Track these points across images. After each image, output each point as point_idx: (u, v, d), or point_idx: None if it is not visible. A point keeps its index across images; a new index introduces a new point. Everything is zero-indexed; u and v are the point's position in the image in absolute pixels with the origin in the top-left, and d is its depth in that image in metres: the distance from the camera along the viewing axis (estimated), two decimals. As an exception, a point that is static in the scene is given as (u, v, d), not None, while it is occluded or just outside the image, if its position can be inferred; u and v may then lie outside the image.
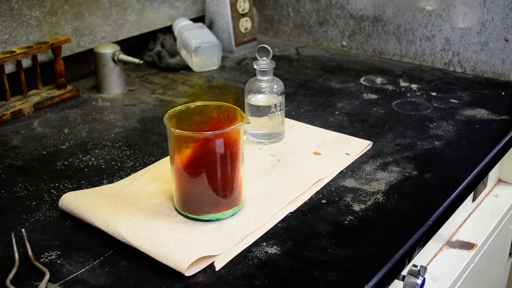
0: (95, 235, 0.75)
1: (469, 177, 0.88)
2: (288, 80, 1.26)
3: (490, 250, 1.19)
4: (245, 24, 1.44)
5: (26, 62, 1.17)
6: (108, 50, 1.19)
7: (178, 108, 0.77)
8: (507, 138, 1.00)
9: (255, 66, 0.94)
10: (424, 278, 0.87)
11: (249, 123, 0.75)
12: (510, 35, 1.20)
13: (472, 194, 1.15)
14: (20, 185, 0.87)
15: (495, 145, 0.97)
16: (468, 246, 1.09)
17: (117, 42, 1.33)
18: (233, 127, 0.73)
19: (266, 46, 0.95)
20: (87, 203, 0.78)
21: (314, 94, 1.18)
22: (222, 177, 0.75)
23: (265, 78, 0.95)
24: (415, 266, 0.87)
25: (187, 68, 1.34)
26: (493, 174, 1.26)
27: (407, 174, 0.88)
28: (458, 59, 1.29)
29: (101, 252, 0.71)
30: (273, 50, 1.46)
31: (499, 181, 1.32)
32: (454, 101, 1.14)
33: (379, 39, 1.38)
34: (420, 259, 0.95)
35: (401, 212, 0.79)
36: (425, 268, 0.87)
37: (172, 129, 0.72)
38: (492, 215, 1.20)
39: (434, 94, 1.17)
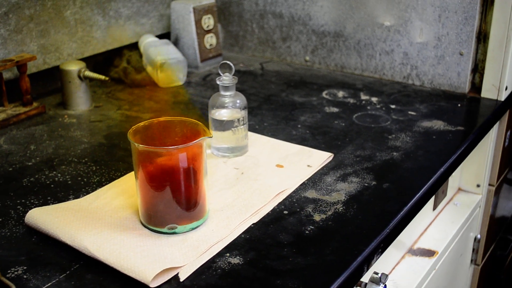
0: (62, 250, 0.76)
1: (425, 186, 0.91)
2: (252, 95, 1.28)
3: (451, 257, 1.23)
4: (210, 40, 1.47)
5: (-9, 80, 1.18)
6: (74, 67, 1.21)
7: (142, 123, 0.79)
8: (462, 148, 1.04)
9: (218, 82, 0.97)
10: (385, 285, 0.90)
11: (211, 137, 0.77)
12: (465, 49, 1.25)
13: (432, 203, 1.18)
14: (-14, 202, 0.88)
15: (451, 155, 1.01)
16: (429, 253, 1.13)
17: (83, 59, 1.34)
18: (195, 141, 0.75)
19: (228, 62, 0.97)
20: (53, 219, 0.79)
21: (278, 108, 1.21)
22: (186, 191, 0.77)
23: (228, 93, 0.97)
24: (376, 273, 0.90)
25: (153, 84, 1.35)
26: (453, 183, 1.30)
27: (366, 185, 0.91)
28: (416, 72, 1.33)
29: (67, 266, 0.73)
30: (238, 66, 1.49)
31: (459, 190, 1.36)
32: (413, 113, 1.18)
33: (340, 53, 1.42)
34: (382, 266, 0.98)
35: (360, 221, 0.82)
36: (386, 275, 0.90)
37: (136, 144, 0.74)
38: (452, 223, 1.24)
39: (393, 106, 1.21)
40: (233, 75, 0.98)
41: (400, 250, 1.09)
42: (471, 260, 1.45)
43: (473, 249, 1.43)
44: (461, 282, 1.41)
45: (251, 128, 1.10)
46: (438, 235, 1.19)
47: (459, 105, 1.23)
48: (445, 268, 1.20)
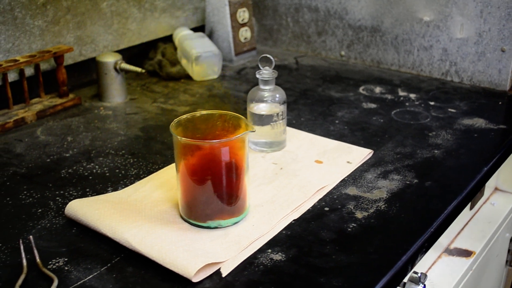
0: (102, 242, 0.75)
1: (469, 185, 0.89)
2: (288, 90, 1.27)
3: (487, 258, 1.21)
4: (245, 33, 1.46)
5: (28, 71, 1.18)
6: (110, 59, 1.20)
7: (184, 116, 0.79)
8: (506, 147, 1.02)
9: (257, 76, 0.95)
10: (425, 285, 0.88)
11: (254, 131, 0.76)
12: (507, 45, 1.22)
13: (470, 202, 1.16)
14: (25, 192, 0.88)
15: (494, 154, 0.98)
16: (466, 253, 1.11)
17: (118, 51, 1.34)
18: (238, 135, 0.74)
19: (268, 55, 0.96)
20: (94, 210, 0.79)
21: (314, 103, 1.20)
22: (227, 185, 0.76)
23: (267, 87, 0.96)
24: (415, 273, 0.88)
25: (188, 77, 1.35)
26: (490, 183, 1.27)
27: (408, 182, 0.89)
28: (456, 69, 1.30)
29: (108, 259, 0.72)
30: (272, 60, 1.48)
31: (496, 189, 1.33)
32: (452, 110, 1.16)
33: (377, 49, 1.40)
34: (419, 266, 0.96)
35: (403, 220, 0.80)
36: (426, 275, 0.89)
37: (178, 137, 0.73)
38: (489, 223, 1.21)
39: (432, 103, 1.19)
40: (272, 69, 0.97)
41: (436, 250, 1.07)
42: (506, 261, 1.42)
43: (509, 250, 1.40)
44: (495, 284, 1.38)
45: (288, 123, 1.09)
46: (475, 235, 1.17)
47: (500, 103, 1.20)
48: (481, 269, 1.18)
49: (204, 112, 0.80)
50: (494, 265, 1.31)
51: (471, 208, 1.18)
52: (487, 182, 1.23)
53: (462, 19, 1.26)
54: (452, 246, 1.12)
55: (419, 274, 0.88)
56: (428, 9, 1.29)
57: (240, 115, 0.79)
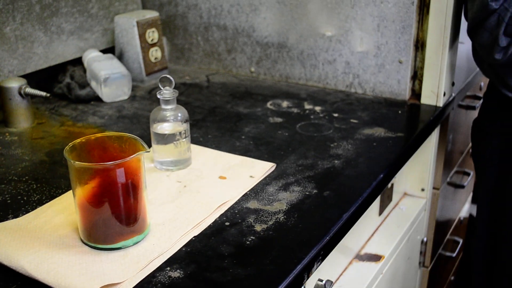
0: (-2, 271, 0.75)
1: (365, 192, 0.93)
2: (198, 107, 1.29)
3: (398, 261, 1.25)
4: (155, 53, 1.47)
5: None
6: (14, 84, 1.19)
7: (79, 140, 0.79)
8: (402, 153, 1.07)
9: (158, 96, 0.97)
10: (330, 292, 0.91)
11: (148, 152, 0.77)
12: (403, 57, 1.28)
13: (378, 208, 1.21)
14: None
15: (391, 161, 1.03)
16: (376, 258, 1.15)
17: (26, 75, 1.32)
18: (132, 156, 0.75)
19: (168, 76, 0.98)
20: (-10, 239, 0.78)
21: (222, 120, 1.22)
22: (125, 206, 0.76)
23: (169, 106, 0.98)
24: (320, 280, 0.91)
25: (98, 99, 1.34)
26: (398, 188, 1.33)
27: (307, 193, 0.92)
28: (359, 81, 1.36)
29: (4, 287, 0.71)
30: (183, 78, 1.49)
31: (405, 194, 1.39)
32: (355, 121, 1.20)
33: (285, 64, 1.44)
34: (329, 273, 1.00)
35: (300, 230, 0.83)
36: (331, 282, 0.92)
37: (72, 161, 0.74)
38: (398, 227, 1.26)
39: (336, 115, 1.23)
40: (177, 88, 0.98)
41: (347, 256, 1.10)
42: (419, 263, 1.48)
43: (421, 252, 1.46)
44: (410, 285, 1.44)
45: (195, 141, 1.10)
46: (385, 239, 1.21)
47: (399, 112, 1.25)
48: (392, 272, 1.22)
49: (99, 135, 0.81)
50: (407, 267, 1.36)
51: (380, 214, 1.23)
52: (396, 188, 1.29)
53: (361, 33, 1.31)
54: (362, 252, 1.16)
55: (324, 282, 0.91)
56: (330, 25, 1.34)
57: (136, 136, 0.80)
